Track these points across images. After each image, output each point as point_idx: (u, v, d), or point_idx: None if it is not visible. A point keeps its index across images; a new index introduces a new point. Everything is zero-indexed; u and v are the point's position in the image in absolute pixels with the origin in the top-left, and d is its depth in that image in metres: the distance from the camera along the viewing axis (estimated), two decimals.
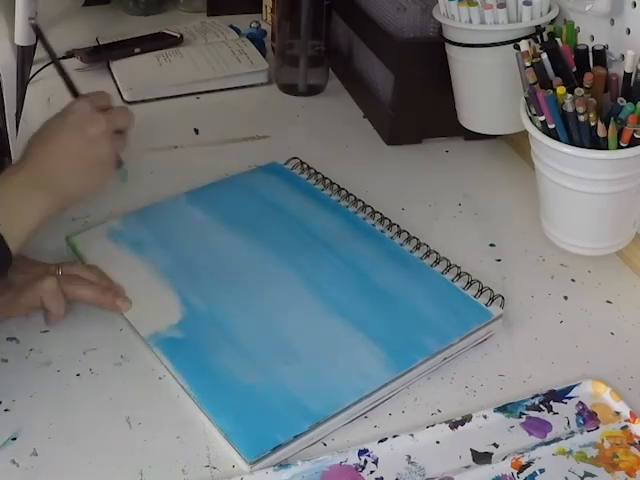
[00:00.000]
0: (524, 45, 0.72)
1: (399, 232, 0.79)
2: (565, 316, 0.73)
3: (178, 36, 1.22)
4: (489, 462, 0.58)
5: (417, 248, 0.77)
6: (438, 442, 0.60)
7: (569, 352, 0.69)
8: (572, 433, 0.60)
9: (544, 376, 0.66)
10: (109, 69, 1.16)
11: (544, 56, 0.71)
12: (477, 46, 0.83)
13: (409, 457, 0.59)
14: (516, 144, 0.97)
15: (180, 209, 0.83)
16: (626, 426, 0.61)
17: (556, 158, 0.70)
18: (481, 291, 0.72)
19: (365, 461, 0.58)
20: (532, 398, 0.63)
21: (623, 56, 0.71)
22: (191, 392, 0.63)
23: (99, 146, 0.71)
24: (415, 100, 0.96)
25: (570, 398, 0.64)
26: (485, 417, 0.61)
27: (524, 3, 0.80)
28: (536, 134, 0.70)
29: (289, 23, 1.09)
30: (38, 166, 0.69)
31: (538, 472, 0.57)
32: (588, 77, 0.67)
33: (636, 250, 0.77)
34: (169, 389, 0.64)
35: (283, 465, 0.57)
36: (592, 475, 0.57)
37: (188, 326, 0.68)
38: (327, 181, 0.87)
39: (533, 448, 0.59)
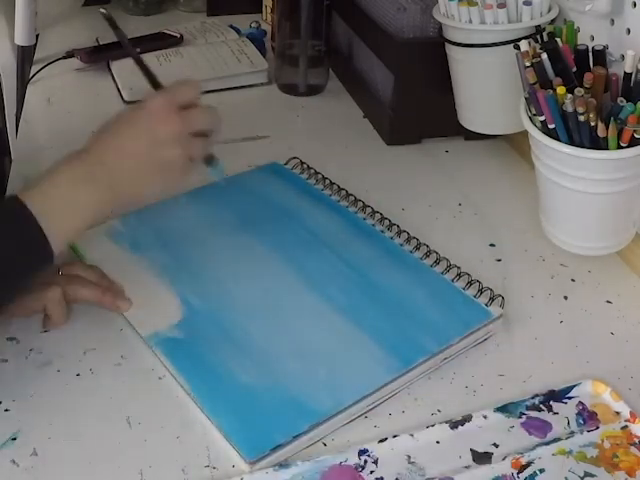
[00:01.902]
0: (524, 45, 0.73)
1: (399, 232, 0.79)
2: (565, 316, 0.73)
3: (178, 36, 1.22)
4: (489, 462, 0.58)
5: (417, 248, 0.77)
6: (438, 442, 0.60)
7: (569, 352, 0.69)
8: (572, 433, 0.60)
9: (544, 376, 0.66)
10: (109, 69, 1.16)
11: (544, 56, 0.71)
12: (477, 46, 0.83)
13: (409, 457, 0.59)
14: (516, 144, 0.97)
15: (180, 209, 0.83)
16: (626, 426, 0.61)
17: (556, 158, 0.70)
18: (481, 291, 0.72)
19: (365, 461, 0.58)
20: (532, 398, 0.63)
21: (623, 56, 0.71)
22: (191, 392, 0.63)
23: (167, 149, 0.66)
24: (415, 100, 0.96)
25: (570, 398, 0.64)
26: (485, 417, 0.61)
27: (524, 3, 0.80)
28: (536, 134, 0.70)
29: (289, 23, 1.09)
30: (97, 158, 0.65)
31: (538, 472, 0.57)
32: (588, 77, 0.67)
33: (636, 250, 0.77)
34: (169, 389, 0.64)
35: (283, 465, 0.57)
36: (592, 475, 0.57)
37: (188, 326, 0.68)
38: (327, 181, 0.87)
39: (533, 448, 0.59)
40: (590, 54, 0.72)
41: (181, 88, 0.70)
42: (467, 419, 0.61)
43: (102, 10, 0.71)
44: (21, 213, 0.61)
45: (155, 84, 0.72)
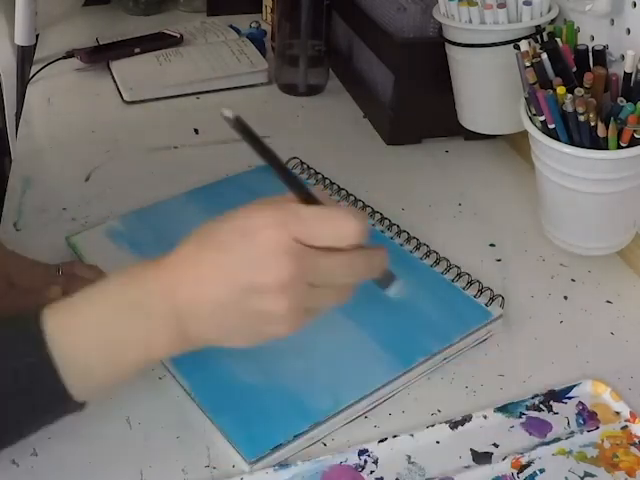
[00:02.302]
0: (524, 45, 0.72)
1: (399, 232, 0.79)
2: (565, 316, 0.73)
3: (178, 36, 1.22)
4: (489, 462, 0.58)
5: (417, 248, 0.77)
6: (438, 442, 0.60)
7: (569, 352, 0.69)
8: (572, 433, 0.60)
9: (544, 376, 0.66)
10: (109, 69, 1.16)
11: (544, 56, 0.71)
12: (477, 46, 0.83)
13: (409, 457, 0.59)
14: (516, 144, 0.97)
15: (180, 209, 0.83)
16: (626, 426, 0.61)
17: (556, 158, 0.70)
18: (481, 291, 0.72)
19: (365, 461, 0.58)
20: (532, 398, 0.63)
21: (623, 56, 0.71)
22: (191, 392, 0.62)
23: (266, 300, 0.48)
24: (415, 100, 0.96)
25: (570, 398, 0.64)
26: (485, 417, 0.61)
27: (524, 3, 0.80)
28: (536, 134, 0.70)
29: (289, 23, 1.09)
30: (170, 285, 0.49)
31: (538, 472, 0.57)
32: (588, 77, 0.67)
33: (636, 250, 0.77)
34: (169, 389, 0.64)
35: (283, 465, 0.57)
36: (592, 475, 0.57)
37: None
38: (327, 181, 0.87)
39: (533, 448, 0.59)
40: (590, 54, 0.72)
41: (335, 222, 0.48)
42: (467, 419, 0.61)
43: (226, 114, 0.48)
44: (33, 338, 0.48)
45: (307, 197, 0.50)
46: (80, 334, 0.49)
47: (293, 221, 0.48)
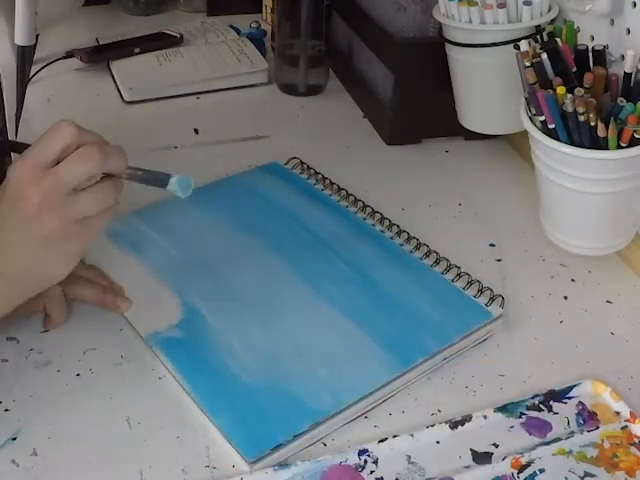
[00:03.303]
0: (524, 45, 0.72)
1: (399, 232, 0.79)
2: (565, 316, 0.73)
3: (178, 36, 1.22)
4: (489, 462, 0.58)
5: (417, 248, 0.77)
6: (438, 442, 0.60)
7: (569, 352, 0.69)
8: (572, 433, 0.60)
9: (544, 376, 0.66)
10: (109, 69, 1.16)
11: (544, 56, 0.71)
12: (477, 46, 0.83)
13: (409, 457, 0.59)
14: (516, 144, 0.97)
15: (180, 209, 0.83)
16: (626, 426, 0.61)
17: (556, 158, 0.70)
18: (481, 291, 0.72)
19: (365, 461, 0.58)
20: (532, 398, 0.63)
21: (623, 56, 0.71)
22: (191, 392, 0.63)
23: (41, 224, 0.56)
24: (415, 100, 0.96)
25: (570, 398, 0.64)
26: (485, 417, 0.61)
27: (524, 3, 0.80)
28: (536, 134, 0.70)
29: (289, 23, 1.09)
30: None
31: (538, 472, 0.57)
32: (588, 77, 0.67)
33: (636, 250, 0.77)
34: (169, 389, 0.64)
35: (283, 465, 0.57)
36: (592, 475, 0.57)
37: (188, 326, 0.68)
38: (327, 181, 0.87)
39: (533, 448, 0.59)
40: (590, 54, 0.72)
41: (48, 138, 0.57)
42: (467, 419, 0.61)
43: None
44: None
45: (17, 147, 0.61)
46: None
47: (26, 156, 0.56)
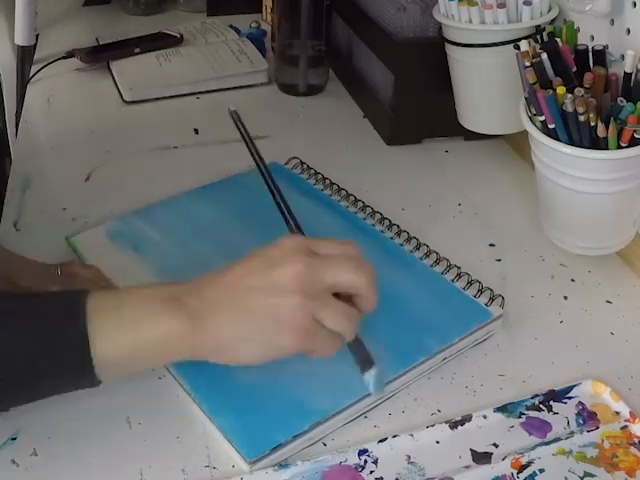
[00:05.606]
0: (524, 45, 0.72)
1: (399, 232, 0.79)
2: (565, 316, 0.73)
3: (178, 36, 1.22)
4: (489, 462, 0.58)
5: (417, 248, 0.77)
6: (438, 442, 0.60)
7: (569, 352, 0.69)
8: (572, 433, 0.60)
9: (544, 376, 0.66)
10: (109, 69, 1.16)
11: (544, 56, 0.71)
12: (477, 46, 0.83)
13: (409, 457, 0.59)
14: (516, 144, 0.97)
15: (180, 209, 0.83)
16: (626, 426, 0.61)
17: (556, 158, 0.70)
18: (481, 291, 0.72)
19: (365, 461, 0.58)
20: (532, 398, 0.63)
21: (623, 56, 0.71)
22: (191, 392, 0.62)
23: (283, 294, 0.53)
24: (415, 100, 0.96)
25: (570, 398, 0.64)
26: (485, 417, 0.61)
27: (524, 3, 0.80)
28: (536, 134, 0.70)
29: (289, 23, 1.09)
30: (194, 287, 0.55)
31: (538, 472, 0.57)
32: (588, 77, 0.67)
33: (636, 250, 0.77)
34: (169, 389, 0.64)
35: (283, 465, 0.57)
36: (592, 475, 0.57)
37: None
38: (327, 181, 0.87)
39: (533, 448, 0.59)
40: (590, 54, 0.72)
41: (330, 241, 0.57)
42: (467, 419, 0.61)
43: (231, 109, 0.65)
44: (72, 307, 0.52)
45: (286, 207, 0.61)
46: (115, 319, 0.53)
47: (302, 237, 0.58)
